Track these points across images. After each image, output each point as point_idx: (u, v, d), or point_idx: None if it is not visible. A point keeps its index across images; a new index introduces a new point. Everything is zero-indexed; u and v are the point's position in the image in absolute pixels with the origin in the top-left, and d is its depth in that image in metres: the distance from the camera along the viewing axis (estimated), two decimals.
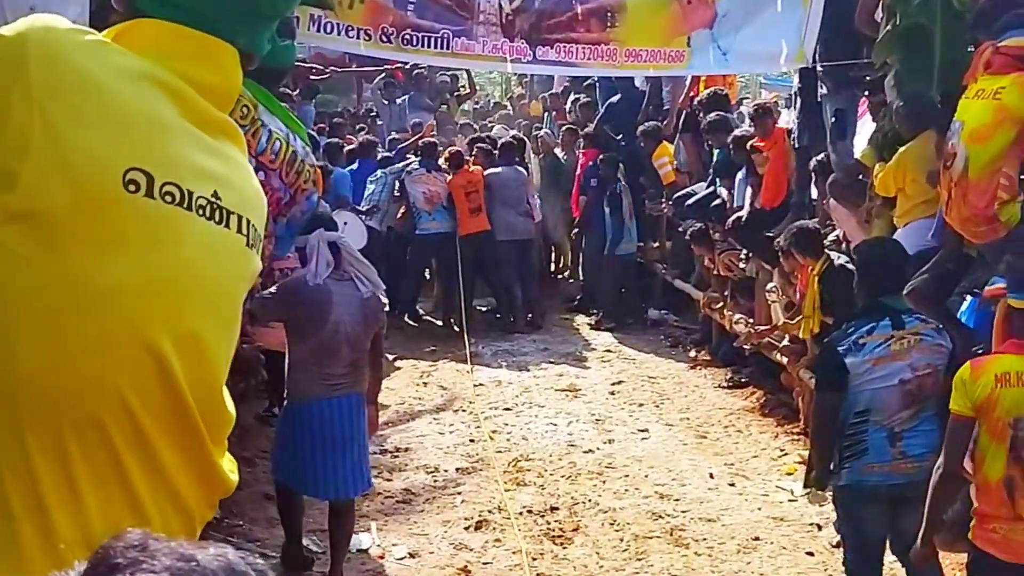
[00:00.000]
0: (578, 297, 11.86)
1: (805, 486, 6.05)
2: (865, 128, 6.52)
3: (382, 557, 5.49)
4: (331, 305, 4.73)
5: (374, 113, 14.21)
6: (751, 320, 8.04)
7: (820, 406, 4.45)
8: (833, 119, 6.73)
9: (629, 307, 11.13)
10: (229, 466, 1.66)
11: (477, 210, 10.60)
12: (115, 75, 1.47)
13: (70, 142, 1.40)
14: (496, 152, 10.97)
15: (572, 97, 13.03)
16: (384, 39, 7.41)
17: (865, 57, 6.37)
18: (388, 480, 6.63)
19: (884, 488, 4.15)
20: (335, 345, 4.79)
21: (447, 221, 10.68)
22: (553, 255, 13.31)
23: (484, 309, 11.51)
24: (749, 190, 8.31)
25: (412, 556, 5.50)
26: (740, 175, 8.57)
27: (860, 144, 6.39)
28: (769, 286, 7.75)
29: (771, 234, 7.53)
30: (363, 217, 10.02)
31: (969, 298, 5.10)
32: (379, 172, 10.79)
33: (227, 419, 1.65)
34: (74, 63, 1.43)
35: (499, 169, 10.76)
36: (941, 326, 4.24)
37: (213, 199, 1.54)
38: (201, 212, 1.52)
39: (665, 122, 10.67)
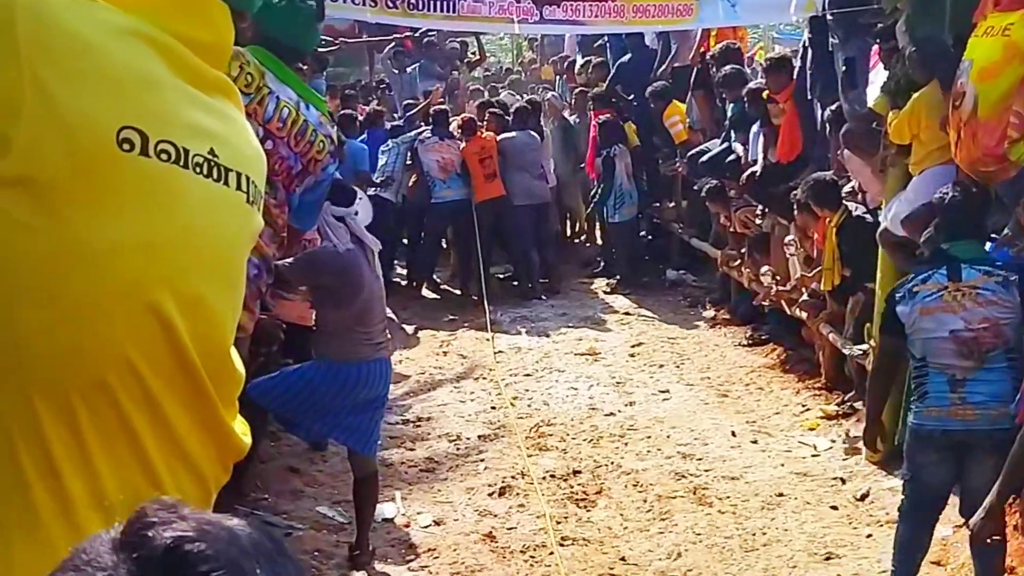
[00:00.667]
0: (600, 263, 11.75)
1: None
2: (878, 77, 6.42)
3: (407, 526, 5.52)
4: (361, 267, 4.82)
5: (385, 83, 14.14)
6: (778, 276, 7.95)
7: (878, 349, 4.59)
8: (844, 68, 6.65)
9: (646, 268, 11.09)
10: (241, 428, 1.65)
11: (492, 176, 10.55)
12: (104, 33, 1.44)
13: (62, 103, 1.37)
14: (509, 117, 10.92)
15: (582, 60, 12.90)
16: (390, 4, 7.36)
17: (875, 3, 6.28)
18: (411, 450, 6.65)
19: (939, 433, 4.07)
20: (372, 304, 4.91)
21: (462, 188, 10.64)
22: (568, 219, 13.26)
23: (502, 276, 11.50)
24: (762, 140, 8.22)
25: (437, 524, 5.53)
26: (755, 129, 8.46)
27: (873, 93, 6.30)
28: (788, 238, 7.68)
29: (790, 185, 7.46)
30: (379, 189, 9.98)
31: (988, 243, 5.04)
32: (390, 142, 10.67)
33: (236, 379, 1.64)
34: (62, 22, 1.40)
35: (513, 134, 10.72)
36: (1014, 277, 4.06)
37: (210, 156, 1.52)
38: (198, 170, 1.50)
39: (660, 70, 10.56)
